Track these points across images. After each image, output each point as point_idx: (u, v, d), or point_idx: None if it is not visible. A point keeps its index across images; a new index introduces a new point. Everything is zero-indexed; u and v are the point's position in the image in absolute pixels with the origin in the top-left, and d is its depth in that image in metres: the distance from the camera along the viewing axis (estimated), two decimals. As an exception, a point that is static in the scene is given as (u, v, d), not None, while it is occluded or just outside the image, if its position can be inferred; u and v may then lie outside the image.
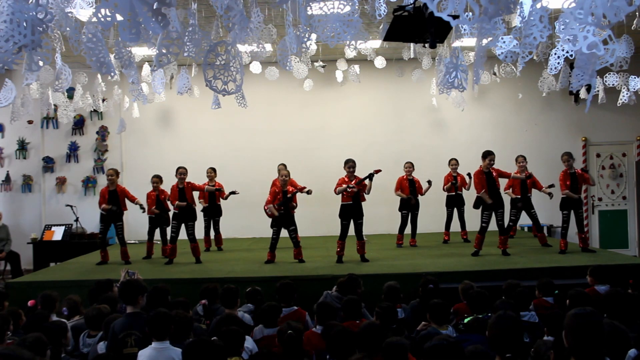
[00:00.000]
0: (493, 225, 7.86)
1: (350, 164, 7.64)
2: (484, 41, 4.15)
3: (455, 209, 9.53)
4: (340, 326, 3.81)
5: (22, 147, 11.20)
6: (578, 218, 8.05)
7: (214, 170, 9.23)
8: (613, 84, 8.39)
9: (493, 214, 7.83)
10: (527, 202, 8.67)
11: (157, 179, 8.64)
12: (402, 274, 6.54)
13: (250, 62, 8.87)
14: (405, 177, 9.05)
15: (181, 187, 8.03)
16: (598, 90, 8.67)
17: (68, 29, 4.74)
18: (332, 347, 3.62)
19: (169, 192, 8.30)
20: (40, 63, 3.84)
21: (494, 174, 7.95)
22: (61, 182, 11.23)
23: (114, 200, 8.18)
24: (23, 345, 3.33)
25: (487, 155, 7.95)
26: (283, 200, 7.69)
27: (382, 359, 3.35)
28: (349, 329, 3.74)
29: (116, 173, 8.35)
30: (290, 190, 7.84)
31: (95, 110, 10.85)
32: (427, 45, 4.67)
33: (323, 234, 10.34)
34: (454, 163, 9.41)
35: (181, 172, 8.10)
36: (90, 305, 4.97)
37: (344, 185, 7.52)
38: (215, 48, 4.23)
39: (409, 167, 9.05)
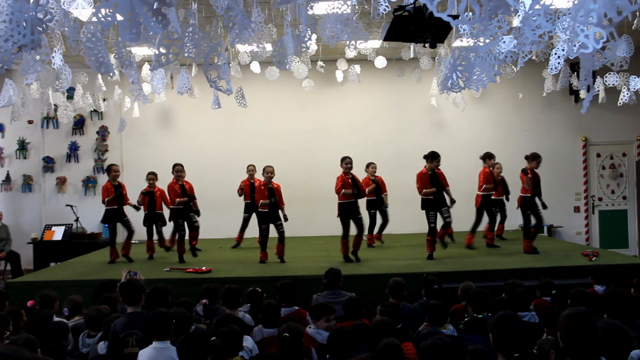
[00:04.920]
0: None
1: (347, 161, 7.63)
2: (487, 41, 4.14)
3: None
4: (340, 325, 3.81)
5: (22, 147, 11.19)
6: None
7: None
8: (613, 84, 8.38)
9: (438, 214, 7.70)
10: (496, 202, 8.90)
11: (153, 176, 8.57)
12: (402, 274, 6.51)
13: (250, 62, 8.86)
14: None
15: (181, 184, 8.15)
16: (598, 90, 8.66)
17: (67, 28, 4.73)
18: (333, 346, 3.62)
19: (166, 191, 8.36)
20: (40, 62, 3.83)
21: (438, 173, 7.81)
22: (61, 182, 11.23)
23: (119, 195, 8.24)
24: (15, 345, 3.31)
25: (428, 157, 7.83)
26: (269, 195, 7.71)
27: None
28: (348, 329, 3.74)
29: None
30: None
31: (95, 110, 10.84)
32: (427, 45, 4.67)
33: (323, 234, 10.33)
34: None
35: (178, 169, 8.18)
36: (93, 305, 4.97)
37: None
38: (216, 48, 4.23)
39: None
